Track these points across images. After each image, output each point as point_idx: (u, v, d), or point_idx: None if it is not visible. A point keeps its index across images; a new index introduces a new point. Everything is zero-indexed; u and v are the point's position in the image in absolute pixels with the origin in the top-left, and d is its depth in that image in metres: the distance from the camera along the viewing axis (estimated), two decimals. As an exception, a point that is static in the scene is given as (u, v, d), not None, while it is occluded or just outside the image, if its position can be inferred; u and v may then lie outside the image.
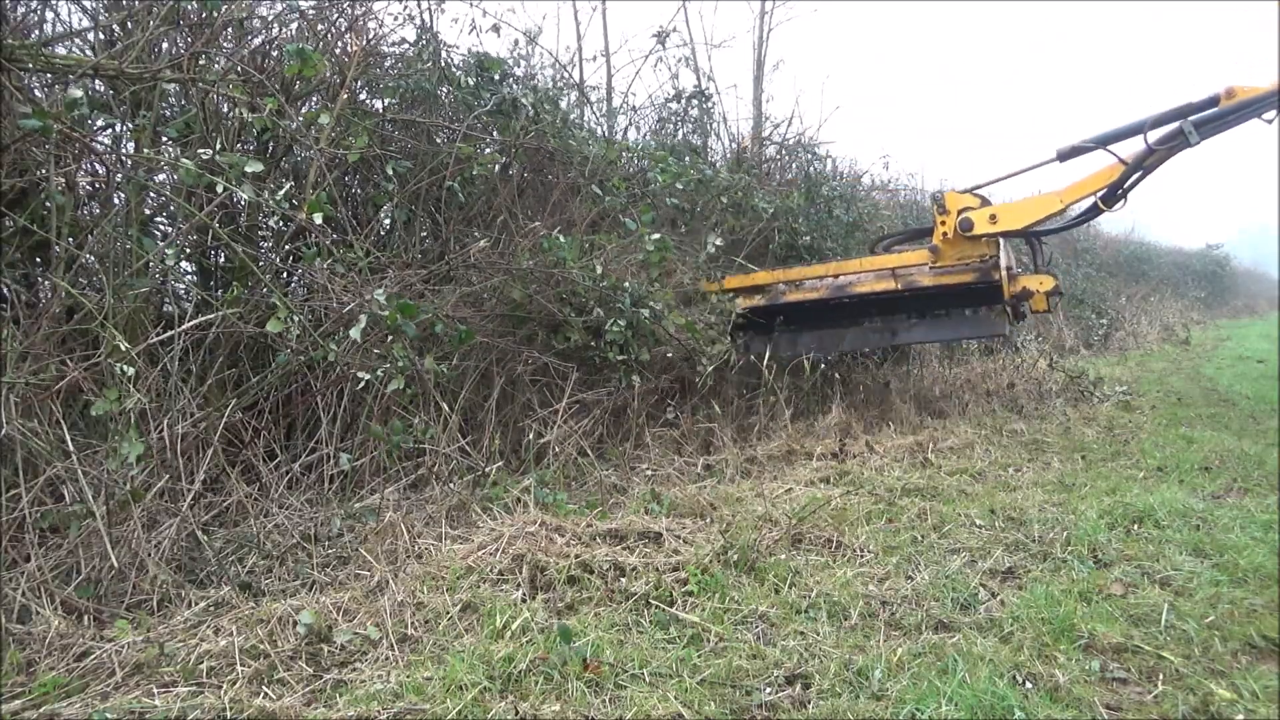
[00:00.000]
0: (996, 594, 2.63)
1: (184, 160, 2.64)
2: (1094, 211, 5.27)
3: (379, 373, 3.16)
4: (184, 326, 2.64)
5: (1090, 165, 5.19)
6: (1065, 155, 5.15)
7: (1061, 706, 1.96)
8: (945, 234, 5.31)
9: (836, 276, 5.65)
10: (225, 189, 2.72)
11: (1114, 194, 5.09)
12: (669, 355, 4.89)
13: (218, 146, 2.66)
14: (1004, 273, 5.18)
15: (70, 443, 2.61)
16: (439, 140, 4.63)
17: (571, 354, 4.50)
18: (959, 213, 5.27)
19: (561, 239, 4.32)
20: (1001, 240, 5.27)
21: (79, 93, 2.92)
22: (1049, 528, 3.23)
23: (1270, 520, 3.16)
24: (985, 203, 5.34)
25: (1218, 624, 2.33)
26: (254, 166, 2.81)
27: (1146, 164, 4.93)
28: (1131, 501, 3.50)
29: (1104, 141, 5.02)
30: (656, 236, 4.86)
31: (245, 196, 2.80)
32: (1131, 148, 5.02)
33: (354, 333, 3.02)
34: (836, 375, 6.00)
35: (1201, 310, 19.73)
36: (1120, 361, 9.87)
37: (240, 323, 3.25)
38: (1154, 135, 4.84)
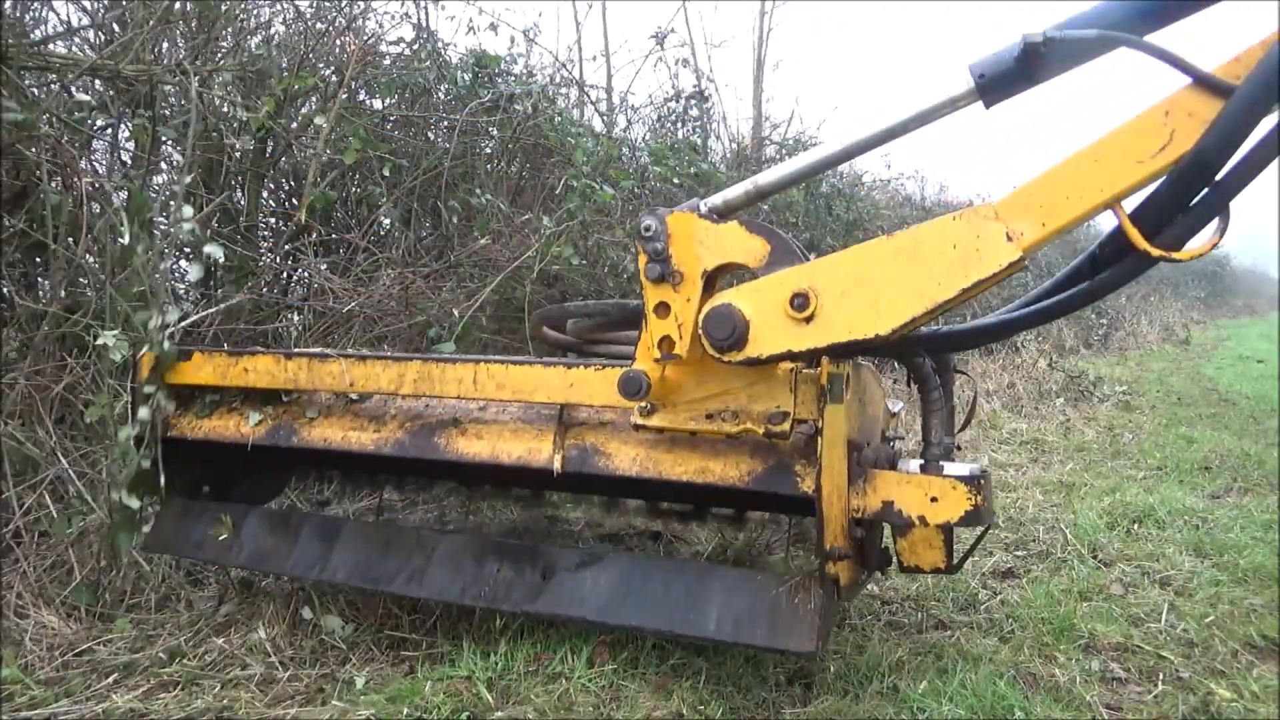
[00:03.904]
0: (996, 594, 2.63)
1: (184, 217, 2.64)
2: (1120, 263, 1.70)
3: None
4: (182, 325, 2.63)
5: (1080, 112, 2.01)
6: (1001, 79, 1.63)
7: (1061, 706, 1.96)
8: (672, 342, 1.85)
9: (429, 399, 2.33)
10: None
11: (1180, 199, 1.57)
12: None
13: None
14: (835, 467, 1.82)
15: (69, 444, 2.61)
16: (432, 137, 4.63)
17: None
18: (711, 280, 1.85)
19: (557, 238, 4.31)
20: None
21: (87, 97, 2.92)
22: (1049, 528, 3.23)
23: (1270, 520, 3.16)
24: (780, 252, 1.81)
25: (1218, 624, 2.33)
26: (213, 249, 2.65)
27: None
28: (1131, 501, 3.49)
29: (1127, 22, 1.57)
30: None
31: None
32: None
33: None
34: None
35: (1201, 310, 19.74)
36: (1120, 361, 9.87)
37: (240, 323, 3.25)
38: None
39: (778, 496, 1.94)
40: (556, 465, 2.08)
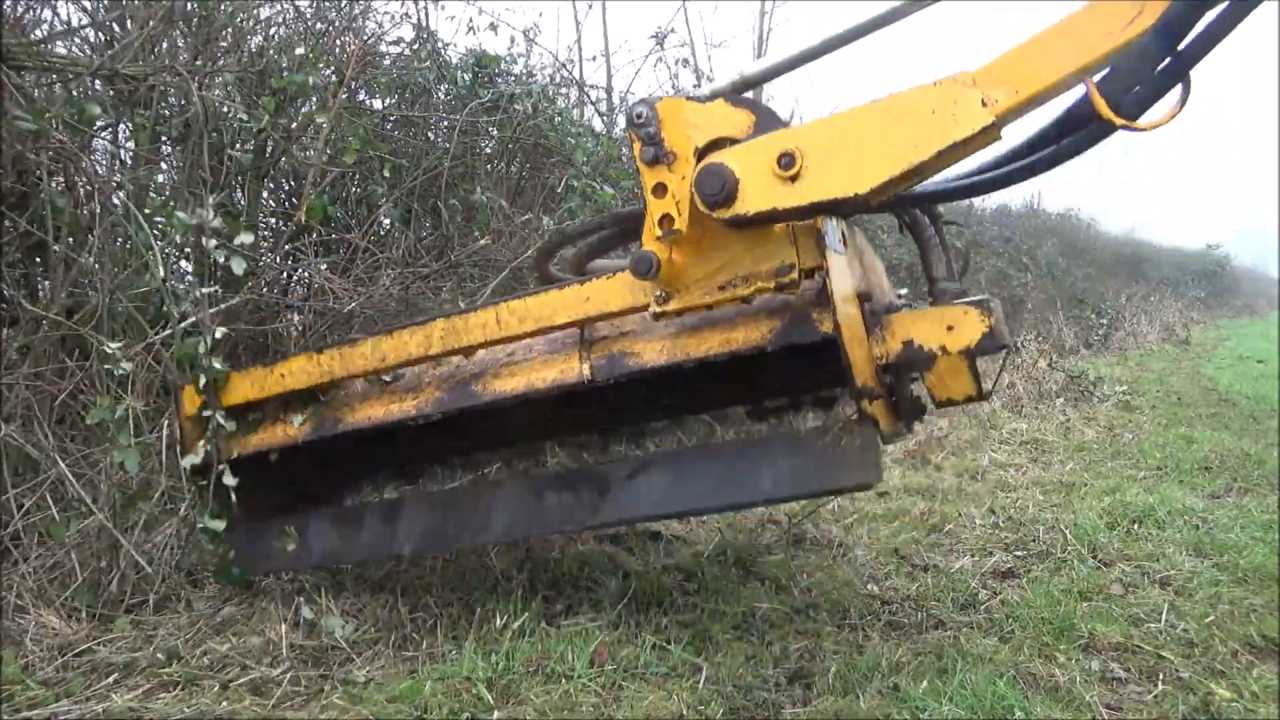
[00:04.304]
0: (997, 594, 2.63)
1: (178, 215, 2.62)
2: (1085, 129, 1.73)
3: None
4: (180, 325, 2.64)
5: None
6: None
7: (1061, 706, 1.96)
8: (671, 219, 1.89)
9: (464, 355, 2.35)
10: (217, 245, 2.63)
11: (1145, 69, 1.61)
12: None
13: (209, 213, 2.55)
14: (848, 310, 1.93)
15: (68, 445, 2.61)
16: (432, 137, 4.63)
17: None
18: (701, 155, 1.89)
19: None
20: (833, 224, 1.93)
21: (97, 109, 2.91)
22: (1049, 528, 3.23)
23: (1270, 520, 3.16)
24: (766, 122, 1.87)
25: (1218, 624, 2.33)
26: (245, 237, 2.61)
27: None
28: (1131, 501, 3.49)
29: None
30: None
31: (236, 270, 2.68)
32: None
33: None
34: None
35: (1201, 310, 19.73)
36: (1120, 361, 9.87)
37: (240, 323, 3.25)
38: None
39: (804, 353, 1.98)
40: (586, 374, 2.14)
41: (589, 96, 6.82)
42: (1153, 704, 1.98)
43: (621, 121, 7.03)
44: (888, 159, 1.71)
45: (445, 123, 4.62)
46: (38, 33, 3.27)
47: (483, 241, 4.21)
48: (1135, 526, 3.23)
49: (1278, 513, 3.26)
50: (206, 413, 2.47)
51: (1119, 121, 1.64)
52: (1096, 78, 1.64)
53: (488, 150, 4.95)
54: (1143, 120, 1.65)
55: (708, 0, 14.94)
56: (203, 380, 2.46)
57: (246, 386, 2.50)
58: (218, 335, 2.50)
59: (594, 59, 10.30)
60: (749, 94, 1.94)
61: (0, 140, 2.63)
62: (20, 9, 3.23)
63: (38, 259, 3.14)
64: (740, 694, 2.04)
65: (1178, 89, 1.63)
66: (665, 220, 1.89)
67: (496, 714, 1.96)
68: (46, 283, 3.00)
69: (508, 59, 5.24)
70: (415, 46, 4.73)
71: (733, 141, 1.87)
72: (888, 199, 1.82)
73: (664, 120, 1.89)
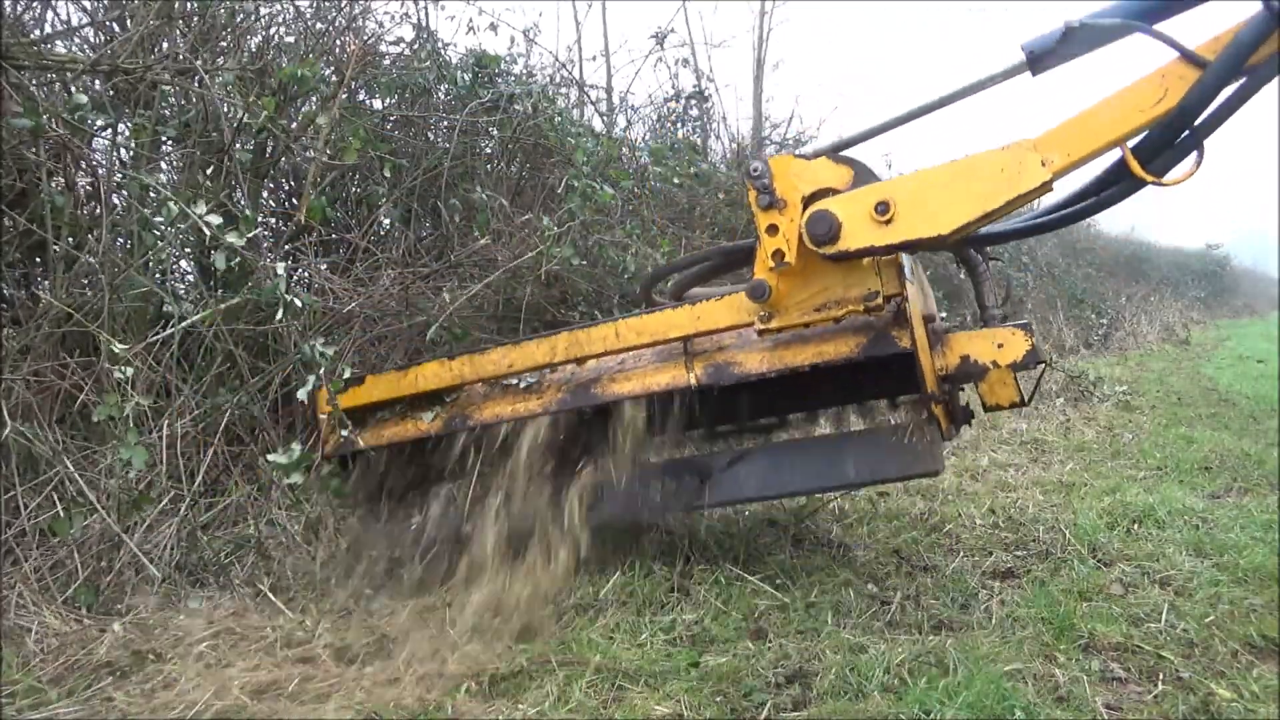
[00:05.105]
0: (997, 594, 2.63)
1: (170, 201, 2.62)
2: (1120, 185, 2.23)
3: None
4: (180, 325, 2.64)
5: (1108, 76, 2.21)
6: (1046, 52, 2.12)
7: (1062, 706, 1.96)
8: (782, 254, 2.33)
9: (578, 363, 2.73)
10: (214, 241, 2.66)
11: (1169, 139, 2.09)
12: None
13: (203, 209, 2.57)
14: (920, 329, 2.40)
15: (70, 445, 2.61)
16: (431, 137, 4.63)
17: None
18: (807, 203, 2.32)
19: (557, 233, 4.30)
20: (907, 261, 2.40)
21: (84, 98, 2.92)
22: (1049, 528, 3.23)
23: (1270, 520, 3.16)
24: (863, 176, 2.34)
25: (1218, 624, 2.33)
26: (237, 239, 2.66)
27: (1256, 60, 2.00)
28: (1131, 501, 3.49)
29: (1141, 13, 2.09)
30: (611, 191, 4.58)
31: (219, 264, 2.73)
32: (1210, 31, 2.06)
33: (301, 394, 2.74)
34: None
35: (1201, 310, 19.73)
36: (1120, 361, 9.87)
37: (240, 323, 3.25)
38: None
39: (884, 363, 2.42)
40: (694, 380, 2.57)
41: (589, 96, 6.83)
42: (1153, 704, 1.98)
43: (621, 121, 7.05)
44: (965, 206, 2.17)
45: (445, 123, 4.62)
46: (37, 32, 3.28)
47: (483, 241, 4.22)
48: (1135, 526, 3.23)
49: (1278, 513, 3.26)
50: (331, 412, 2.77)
51: (1149, 179, 2.11)
52: (1131, 144, 2.11)
53: (488, 150, 4.95)
54: (1167, 178, 2.12)
55: (708, 0, 14.94)
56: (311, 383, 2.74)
57: (381, 388, 2.86)
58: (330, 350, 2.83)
59: (594, 59, 10.29)
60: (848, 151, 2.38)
61: (0, 139, 2.63)
62: (20, 8, 3.23)
63: (38, 259, 3.14)
64: (740, 694, 2.04)
65: (1194, 154, 2.10)
66: (777, 254, 2.33)
67: (496, 714, 1.96)
68: (46, 282, 3.00)
69: (508, 59, 5.25)
70: (415, 46, 4.74)
71: (834, 191, 2.31)
72: (960, 238, 2.28)
73: (775, 174, 2.33)
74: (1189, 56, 2.03)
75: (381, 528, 2.95)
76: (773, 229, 2.34)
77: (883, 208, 2.23)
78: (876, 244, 2.25)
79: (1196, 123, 2.06)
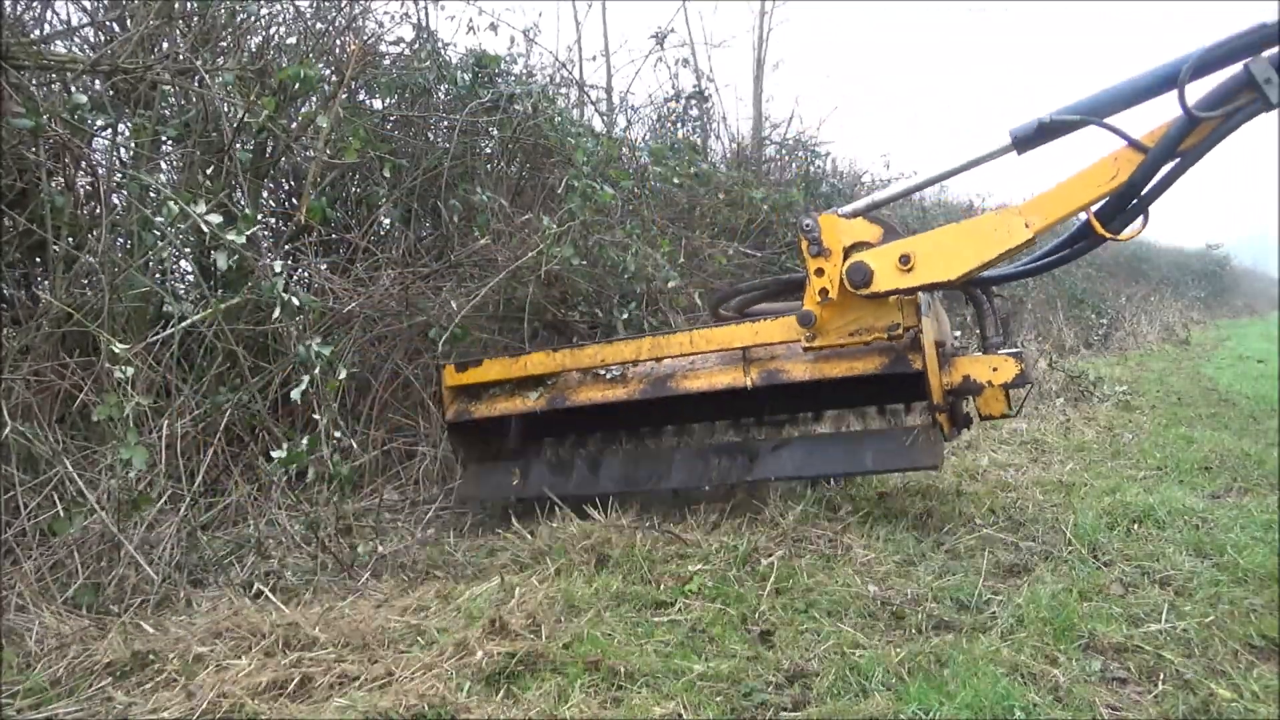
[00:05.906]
0: (997, 594, 2.63)
1: (170, 201, 2.62)
2: (1085, 240, 2.93)
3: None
4: (180, 325, 2.64)
5: (1073, 156, 2.85)
6: (1027, 139, 2.78)
7: (1061, 706, 1.96)
8: (826, 291, 3.02)
9: (657, 360, 3.43)
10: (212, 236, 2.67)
11: (1122, 205, 2.73)
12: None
13: (203, 207, 2.59)
14: (931, 353, 3.04)
15: (69, 445, 2.61)
16: (431, 137, 4.63)
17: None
18: (847, 253, 3.01)
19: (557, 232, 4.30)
20: (925, 298, 3.06)
21: (83, 98, 2.92)
22: (1049, 528, 3.23)
23: (1270, 520, 3.16)
24: (890, 233, 3.05)
25: (1218, 624, 2.33)
26: (238, 237, 2.72)
27: (1184, 149, 2.62)
28: (1131, 501, 3.49)
29: (1097, 110, 2.72)
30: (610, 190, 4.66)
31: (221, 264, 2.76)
32: (1150, 122, 2.72)
33: (295, 394, 2.82)
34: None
35: (1201, 310, 19.73)
36: (1120, 361, 9.87)
37: (239, 323, 3.25)
38: (1195, 93, 2.58)
39: (900, 378, 3.18)
40: (749, 382, 3.26)
41: (589, 96, 6.83)
42: (1153, 704, 1.98)
43: (621, 121, 7.06)
44: (968, 257, 2.87)
45: (445, 123, 4.62)
46: (37, 32, 3.28)
47: (483, 241, 4.22)
48: (1135, 526, 3.23)
49: (1278, 513, 3.26)
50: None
51: (1108, 236, 2.78)
52: (1094, 209, 2.78)
53: (488, 150, 4.95)
54: (1123, 234, 2.79)
55: (708, 0, 14.95)
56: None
57: (496, 369, 3.53)
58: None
59: (594, 59, 10.30)
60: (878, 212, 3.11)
61: (0, 139, 2.63)
62: (20, 8, 3.23)
63: (38, 259, 3.14)
64: (740, 695, 2.04)
65: (1140, 217, 2.76)
66: (823, 292, 3.03)
67: (495, 713, 1.96)
68: (46, 282, 3.00)
69: (508, 59, 5.25)
70: (415, 46, 4.74)
71: (867, 245, 3.01)
72: (965, 281, 2.99)
73: (823, 229, 3.02)
74: (1134, 144, 2.64)
75: (482, 481, 3.62)
76: (820, 272, 3.02)
77: (905, 259, 2.92)
78: (900, 287, 2.95)
79: (1143, 193, 2.68)
